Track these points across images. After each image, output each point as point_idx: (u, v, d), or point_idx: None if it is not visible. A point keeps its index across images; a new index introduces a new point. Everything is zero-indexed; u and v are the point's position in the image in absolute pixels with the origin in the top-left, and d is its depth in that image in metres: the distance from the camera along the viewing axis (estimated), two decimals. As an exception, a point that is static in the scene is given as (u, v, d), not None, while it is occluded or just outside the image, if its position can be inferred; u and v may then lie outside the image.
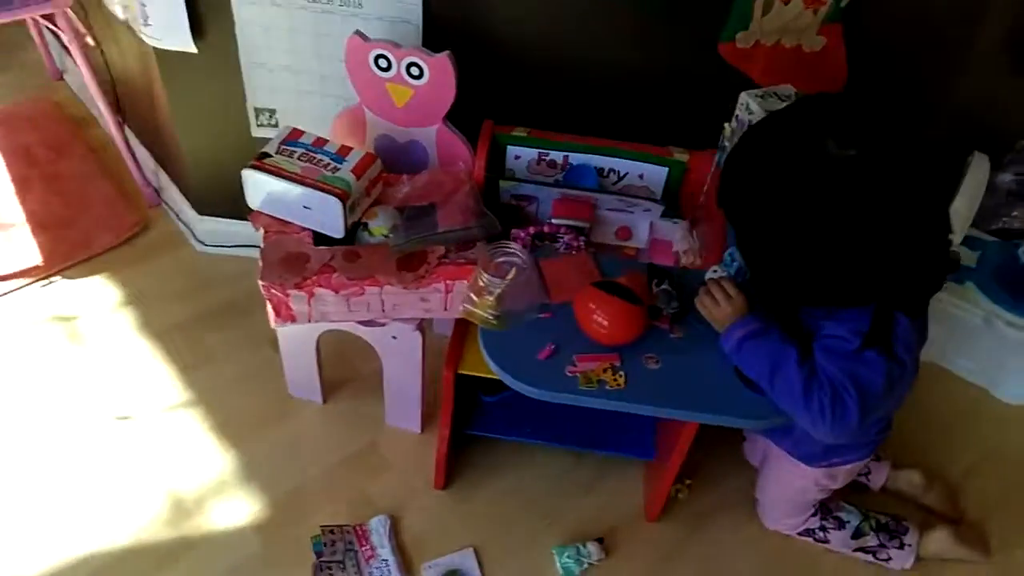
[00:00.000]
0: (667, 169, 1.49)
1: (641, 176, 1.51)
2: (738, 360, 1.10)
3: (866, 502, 1.54)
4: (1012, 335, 1.71)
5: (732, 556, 1.51)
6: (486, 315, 1.15)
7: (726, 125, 1.40)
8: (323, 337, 1.53)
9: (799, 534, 1.51)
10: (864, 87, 1.51)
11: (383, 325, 1.42)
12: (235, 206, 1.81)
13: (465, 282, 1.31)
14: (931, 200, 1.00)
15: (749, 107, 1.34)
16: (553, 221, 1.44)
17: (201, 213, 1.91)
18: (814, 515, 1.49)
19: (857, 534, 1.48)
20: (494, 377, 1.29)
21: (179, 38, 1.53)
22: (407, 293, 1.32)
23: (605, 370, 1.11)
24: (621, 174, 1.51)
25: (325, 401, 1.67)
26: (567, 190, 1.46)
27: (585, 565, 1.45)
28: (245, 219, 1.78)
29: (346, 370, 1.72)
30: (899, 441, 1.46)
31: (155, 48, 1.57)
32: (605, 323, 1.11)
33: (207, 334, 1.77)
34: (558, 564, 1.45)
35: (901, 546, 1.47)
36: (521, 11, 1.47)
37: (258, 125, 1.69)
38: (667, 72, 1.52)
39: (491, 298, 1.13)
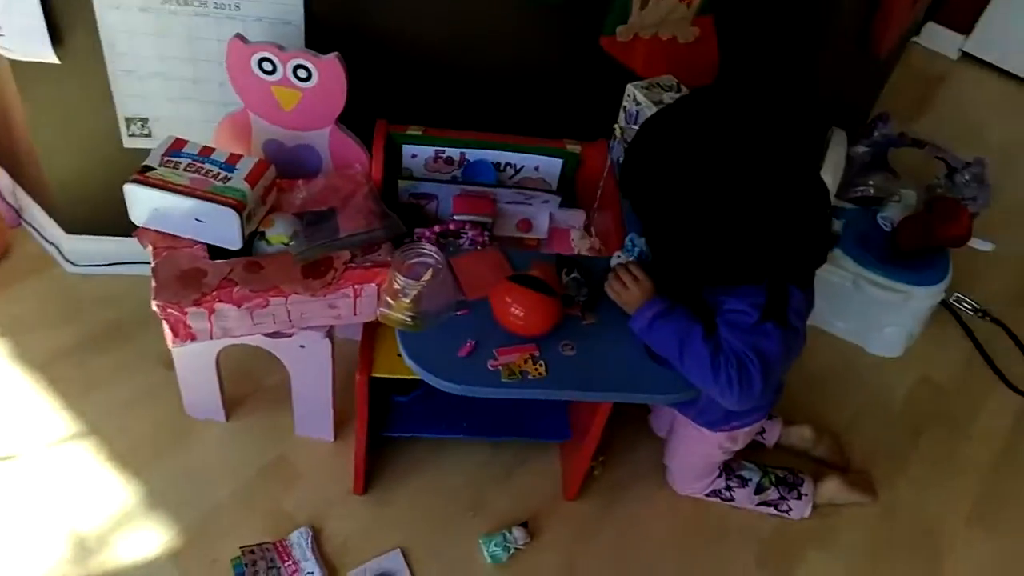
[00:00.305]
0: (562, 161, 1.53)
1: (537, 168, 1.54)
2: (648, 339, 1.16)
3: (763, 459, 1.66)
4: (878, 295, 1.88)
5: (649, 523, 1.59)
6: (403, 317, 1.14)
7: (616, 126, 1.45)
8: (221, 351, 1.48)
9: (707, 495, 1.61)
10: (738, 74, 1.61)
11: (290, 336, 1.38)
12: (108, 222, 1.72)
13: (374, 285, 1.31)
14: (812, 177, 1.09)
15: (636, 98, 1.40)
16: (456, 217, 1.45)
17: (70, 232, 1.78)
18: (719, 476, 1.59)
19: (759, 489, 1.59)
20: (405, 378, 1.30)
21: (37, 48, 1.42)
22: (315, 301, 1.29)
23: (526, 361, 1.14)
24: (518, 168, 1.54)
25: (228, 419, 1.62)
26: (467, 186, 1.48)
27: (512, 550, 1.48)
28: (120, 235, 1.70)
29: (247, 384, 1.67)
30: (788, 400, 1.58)
31: (10, 60, 1.45)
32: (522, 315, 1.13)
33: (91, 359, 1.66)
34: (486, 553, 1.47)
35: (799, 496, 1.60)
36: (406, 10, 1.47)
37: (130, 136, 1.59)
38: (555, 67, 1.56)
39: (407, 300, 1.13)
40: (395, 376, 1.38)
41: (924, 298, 1.94)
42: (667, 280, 1.18)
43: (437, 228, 1.39)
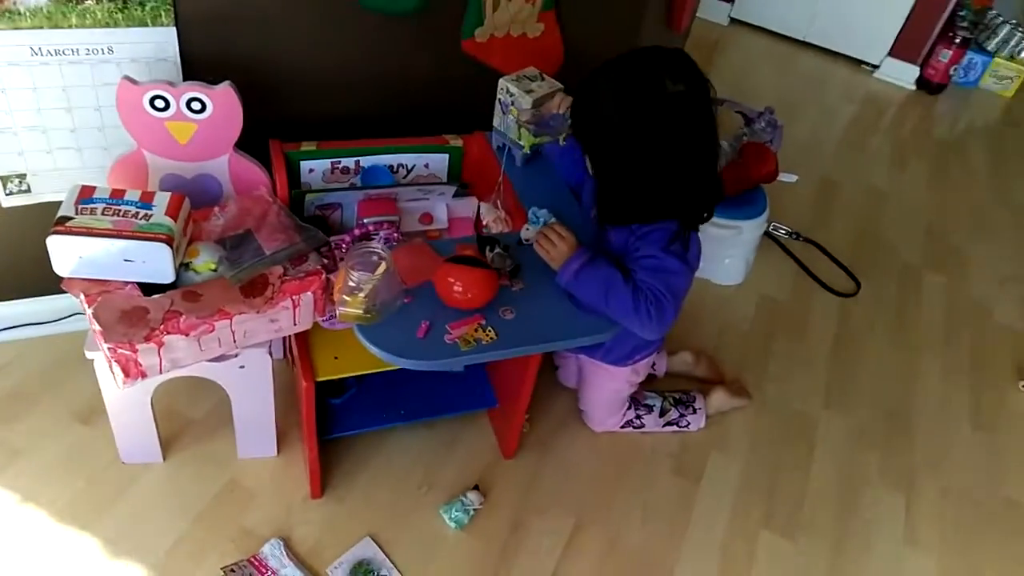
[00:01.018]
0: (447, 155, 1.68)
1: (427, 166, 1.68)
2: (575, 288, 1.34)
3: (659, 387, 1.92)
4: (716, 232, 2.20)
5: (580, 463, 1.79)
6: (360, 312, 1.25)
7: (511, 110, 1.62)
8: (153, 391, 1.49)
9: (621, 427, 1.84)
10: (578, 60, 1.83)
11: (234, 357, 1.43)
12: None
13: (310, 294, 1.39)
14: (713, 132, 1.31)
15: (508, 90, 1.58)
16: (365, 221, 1.56)
17: (-57, 305, 1.68)
18: (628, 408, 1.82)
19: (662, 412, 1.84)
20: (335, 379, 1.43)
21: (-102, 114, 1.35)
22: (258, 317, 1.36)
23: (476, 330, 1.29)
24: (409, 167, 1.67)
25: (165, 458, 1.62)
26: (368, 191, 1.59)
27: (471, 512, 1.62)
28: None
29: (174, 422, 1.68)
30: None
31: None
32: (466, 291, 1.28)
33: (1, 431, 1.60)
34: (448, 520, 1.61)
35: (694, 411, 1.87)
36: (275, 36, 1.54)
37: (7, 194, 1.55)
38: (425, 72, 1.70)
39: (362, 295, 1.23)
40: (340, 376, 1.49)
41: (752, 229, 2.29)
42: (607, 217, 1.37)
43: (356, 231, 1.49)
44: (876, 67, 3.78)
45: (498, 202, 1.57)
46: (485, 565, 1.57)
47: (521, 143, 1.55)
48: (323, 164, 1.60)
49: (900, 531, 1.79)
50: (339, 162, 1.61)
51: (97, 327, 1.25)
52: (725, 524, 1.73)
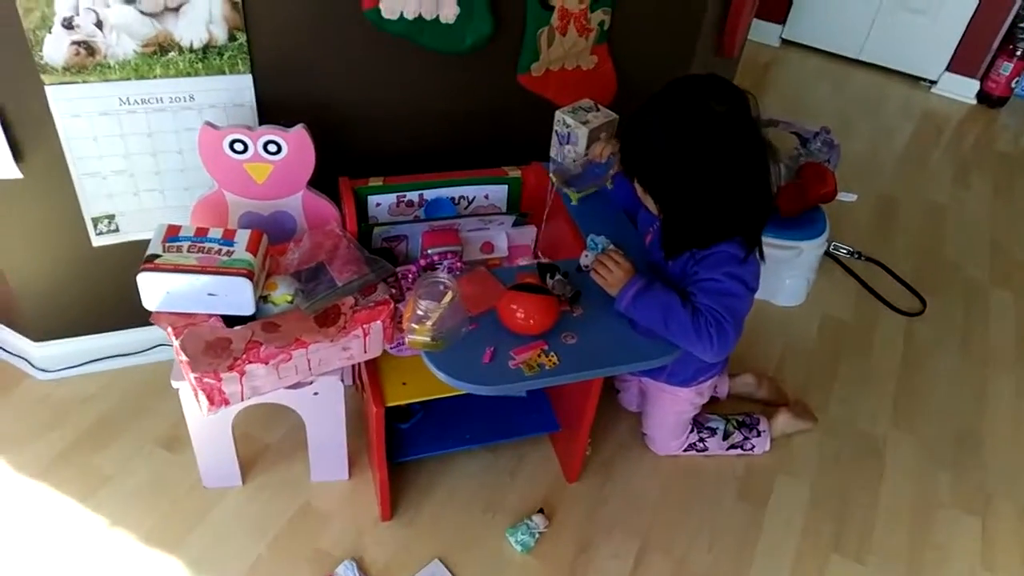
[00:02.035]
0: (506, 186, 1.74)
1: (487, 197, 1.74)
2: (634, 313, 1.36)
3: (721, 410, 1.92)
4: (776, 254, 2.19)
5: (643, 486, 1.80)
6: (427, 339, 1.30)
7: (553, 139, 1.67)
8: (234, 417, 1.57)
9: (684, 451, 1.84)
10: (631, 89, 1.87)
11: (309, 384, 1.50)
12: (77, 323, 1.77)
13: (379, 323, 1.45)
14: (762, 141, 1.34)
15: (565, 122, 1.63)
16: (429, 252, 1.62)
17: (38, 340, 1.79)
18: (691, 431, 1.82)
19: (726, 435, 1.84)
20: (403, 405, 1.48)
21: (1, 167, 1.47)
22: (331, 346, 1.42)
23: (539, 355, 1.32)
24: (470, 199, 1.73)
25: (244, 482, 1.69)
26: (432, 222, 1.65)
27: (537, 535, 1.64)
28: (86, 334, 1.75)
29: (252, 446, 1.75)
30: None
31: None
32: (529, 317, 1.32)
33: (90, 458, 1.69)
34: (514, 543, 1.63)
35: (759, 434, 1.86)
36: (343, 78, 1.63)
37: (97, 234, 1.65)
38: (485, 105, 1.76)
39: (429, 323, 1.29)
40: (408, 402, 1.54)
41: (812, 249, 2.28)
42: (670, 244, 1.40)
43: (422, 262, 1.55)
44: (934, 83, 3.73)
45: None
46: (552, 588, 1.59)
47: (569, 196, 1.59)
48: (389, 198, 1.67)
49: (977, 554, 1.74)
50: (404, 196, 1.68)
51: (184, 358, 1.33)
52: (794, 548, 1.71)
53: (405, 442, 1.70)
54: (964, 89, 3.68)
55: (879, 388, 2.11)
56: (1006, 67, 3.57)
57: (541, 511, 1.69)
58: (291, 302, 1.46)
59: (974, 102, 3.68)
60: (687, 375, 1.65)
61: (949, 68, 3.66)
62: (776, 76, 3.65)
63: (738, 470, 1.85)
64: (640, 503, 1.77)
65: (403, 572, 1.58)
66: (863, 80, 3.74)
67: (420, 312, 1.28)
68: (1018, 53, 3.53)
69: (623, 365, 1.36)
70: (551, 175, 1.60)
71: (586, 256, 1.50)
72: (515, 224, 1.73)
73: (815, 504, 1.79)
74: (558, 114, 1.65)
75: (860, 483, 1.85)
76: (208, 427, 1.55)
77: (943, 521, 1.80)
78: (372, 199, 1.66)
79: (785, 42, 3.89)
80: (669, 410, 1.76)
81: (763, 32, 3.80)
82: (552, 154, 1.70)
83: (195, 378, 1.32)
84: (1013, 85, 3.65)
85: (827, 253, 2.47)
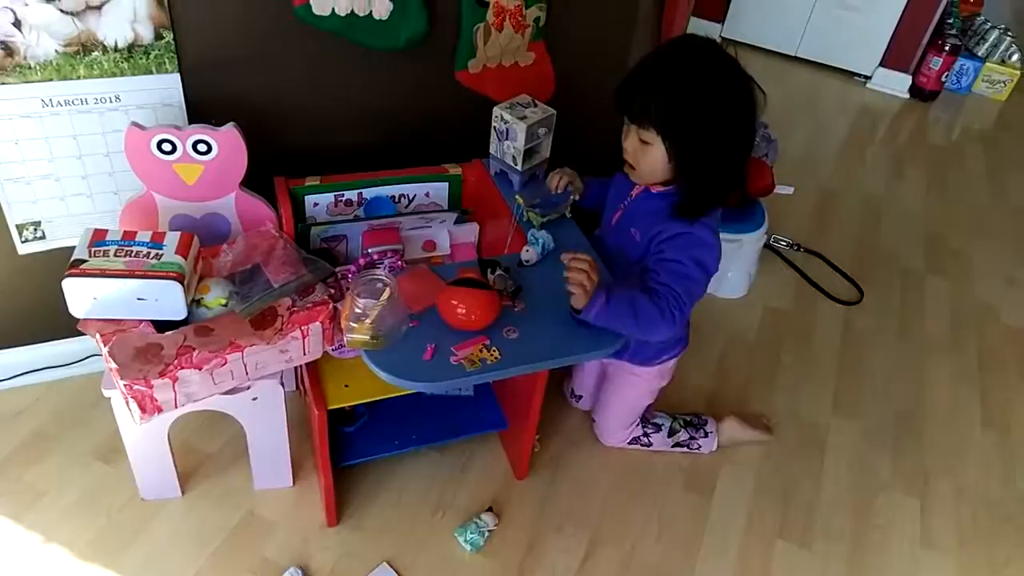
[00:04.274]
0: (447, 183, 1.73)
1: (427, 194, 1.73)
2: (607, 319, 1.33)
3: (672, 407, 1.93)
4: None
5: (592, 480, 1.80)
6: (367, 338, 1.28)
7: (492, 135, 1.67)
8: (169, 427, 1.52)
9: (629, 443, 1.85)
10: (569, 87, 1.88)
11: (246, 389, 1.47)
12: (6, 335, 1.71)
13: (319, 324, 1.43)
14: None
15: (503, 117, 1.63)
16: (369, 251, 1.60)
17: (-36, 353, 1.73)
18: (637, 425, 1.84)
19: (671, 432, 1.85)
20: (347, 407, 1.45)
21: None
22: (268, 349, 1.39)
23: (481, 350, 1.31)
24: (411, 197, 1.71)
25: (183, 493, 1.65)
26: (372, 221, 1.63)
27: (487, 533, 1.64)
28: (18, 346, 1.69)
29: (191, 457, 1.70)
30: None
31: None
32: (470, 312, 1.31)
33: (24, 473, 1.64)
34: (464, 543, 1.62)
35: (705, 435, 1.88)
36: (276, 76, 1.60)
37: (23, 242, 1.60)
38: (423, 103, 1.75)
39: (368, 321, 1.27)
40: (351, 404, 1.51)
41: (752, 242, 2.32)
42: (694, 203, 1.39)
43: (361, 261, 1.53)
44: (868, 78, 3.84)
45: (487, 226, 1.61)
46: (502, 586, 1.59)
47: (532, 223, 1.59)
48: (327, 198, 1.65)
49: (916, 534, 1.78)
50: (342, 195, 1.66)
51: (113, 365, 1.29)
52: (740, 536, 1.73)
53: (350, 445, 1.67)
54: (897, 84, 3.79)
55: (820, 376, 2.15)
56: (936, 61, 3.70)
57: (490, 509, 1.68)
58: (225, 305, 1.42)
59: (907, 96, 3.80)
60: (649, 353, 1.66)
61: (882, 63, 3.77)
62: (717, 74, 3.71)
63: (684, 463, 1.87)
64: (589, 497, 1.77)
65: (351, 577, 1.55)
66: (800, 77, 3.83)
67: (358, 310, 1.26)
68: (947, 48, 3.66)
69: (565, 358, 1.36)
70: (516, 196, 1.60)
71: (527, 251, 1.50)
72: (457, 221, 1.72)
73: (760, 492, 1.82)
74: (496, 110, 1.64)
75: (803, 470, 1.89)
76: (144, 437, 1.51)
77: (884, 503, 1.84)
78: (309, 199, 1.63)
79: (724, 40, 3.94)
80: (628, 394, 1.76)
81: (703, 31, 3.86)
82: (491, 150, 1.70)
83: (125, 386, 1.28)
84: (943, 79, 3.77)
85: (767, 245, 2.51)
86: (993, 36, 3.89)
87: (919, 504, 1.85)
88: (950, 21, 3.76)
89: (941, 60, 3.68)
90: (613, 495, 1.78)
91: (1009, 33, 3.88)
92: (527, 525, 1.69)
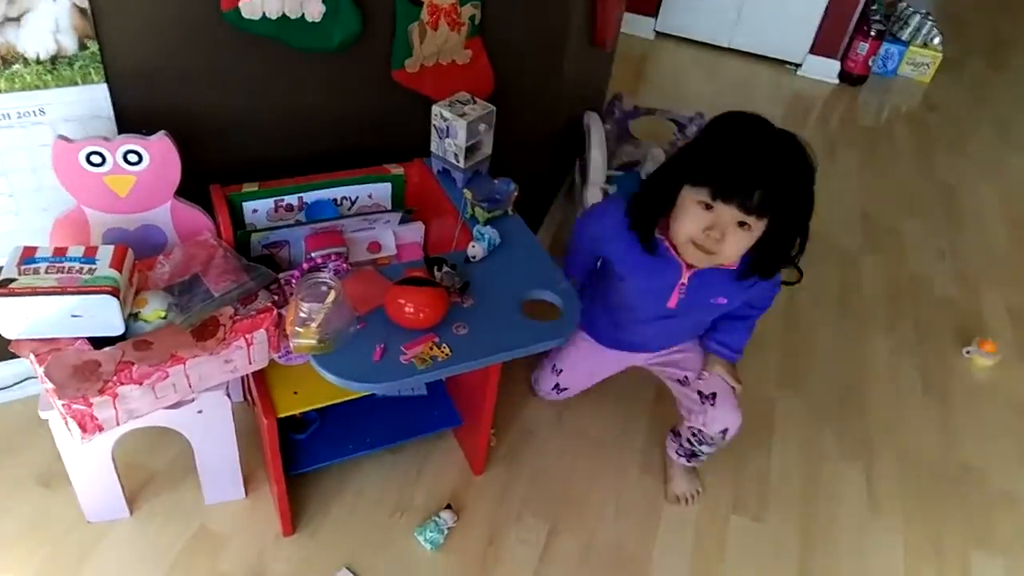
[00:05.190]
0: (390, 184, 1.72)
1: (370, 196, 1.71)
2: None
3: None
4: (660, 234, 2.26)
5: (548, 470, 1.82)
6: (314, 343, 1.27)
7: (433, 134, 1.67)
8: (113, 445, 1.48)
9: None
10: (508, 82, 1.89)
11: (191, 402, 1.44)
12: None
13: (263, 331, 1.41)
14: None
15: (442, 115, 1.63)
16: (312, 255, 1.58)
17: None
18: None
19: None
20: (299, 414, 1.44)
21: None
22: (212, 360, 1.37)
23: (431, 348, 1.31)
24: (353, 199, 1.70)
25: (131, 513, 1.60)
26: (314, 225, 1.61)
27: (446, 531, 1.63)
28: None
29: (138, 475, 1.66)
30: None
31: None
32: (418, 311, 1.31)
33: (-40, 504, 1.57)
34: (423, 542, 1.62)
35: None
36: (206, 82, 1.56)
37: (-53, 263, 1.53)
38: (361, 104, 1.74)
39: (315, 325, 1.25)
40: (301, 411, 1.50)
41: (695, 229, 2.36)
42: (773, 264, 1.44)
43: (305, 266, 1.51)
44: (799, 66, 3.94)
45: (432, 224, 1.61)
46: (464, 582, 1.59)
47: (478, 219, 1.59)
48: (266, 203, 1.62)
49: (863, 500, 1.84)
50: (282, 200, 1.63)
51: (50, 385, 1.25)
52: (695, 513, 1.77)
53: (303, 452, 1.65)
54: (826, 70, 3.90)
55: (766, 355, 2.20)
56: (863, 47, 3.82)
57: (449, 507, 1.68)
58: (164, 318, 1.39)
59: (836, 82, 3.91)
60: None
61: (812, 51, 3.87)
62: (652, 67, 3.76)
63: (638, 443, 1.90)
64: (546, 486, 1.78)
65: (310, 586, 1.54)
66: (734, 67, 3.91)
67: (303, 315, 1.25)
68: (872, 33, 3.78)
69: (515, 350, 1.36)
70: (464, 191, 1.60)
71: (473, 247, 1.50)
72: (402, 222, 1.71)
73: (712, 471, 1.85)
74: (435, 108, 1.64)
75: (753, 444, 1.93)
76: (86, 457, 1.47)
77: (831, 473, 1.90)
78: (248, 205, 1.61)
79: (659, 34, 4.02)
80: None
81: (637, 25, 3.92)
82: (433, 149, 1.69)
83: (63, 405, 1.24)
84: (870, 63, 3.89)
85: (710, 231, 2.56)
86: (915, 20, 4.03)
87: (864, 472, 1.91)
88: (874, 7, 3.89)
89: (867, 45, 3.80)
90: (570, 483, 1.80)
91: (930, 17, 4.02)
92: (487, 519, 1.70)
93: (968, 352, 2.30)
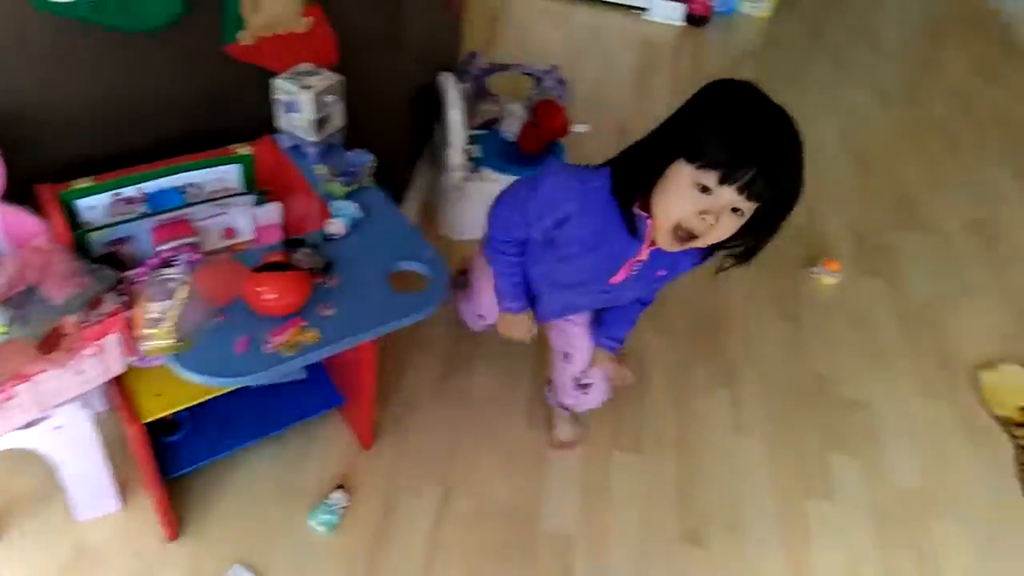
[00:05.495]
0: (239, 165, 1.65)
1: (219, 180, 1.63)
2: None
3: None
4: (524, 191, 2.29)
5: (436, 435, 1.84)
6: (168, 343, 1.21)
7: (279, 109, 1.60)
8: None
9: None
10: (353, 51, 1.83)
11: (47, 419, 1.35)
12: None
13: (114, 336, 1.33)
14: None
15: (286, 89, 1.57)
16: (160, 249, 1.50)
17: None
18: None
19: None
20: (167, 417, 1.39)
21: None
22: (63, 373, 1.29)
23: (298, 333, 1.28)
24: (200, 184, 1.62)
25: (-3, 541, 1.51)
26: (159, 216, 1.53)
27: (339, 511, 1.63)
28: None
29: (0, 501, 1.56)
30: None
31: None
32: (279, 297, 1.27)
33: None
34: (317, 525, 1.61)
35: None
36: (26, 77, 1.43)
37: None
38: (197, 86, 1.64)
39: (167, 324, 1.20)
40: (167, 413, 1.44)
41: (557, 182, 2.40)
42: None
43: (154, 261, 1.43)
44: (645, 10, 4.03)
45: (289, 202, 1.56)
46: (360, 558, 1.59)
47: (335, 194, 1.54)
48: (103, 199, 1.52)
49: (730, 421, 1.98)
50: (120, 193, 1.53)
51: None
52: (580, 457, 1.85)
53: (179, 454, 1.59)
54: (672, 13, 4.01)
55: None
56: (703, -11, 3.94)
57: (340, 487, 1.67)
58: (5, 333, 1.29)
59: (683, 24, 4.04)
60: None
61: (656, -5, 3.97)
62: (505, 23, 3.75)
63: (522, 403, 1.95)
64: (436, 452, 1.81)
65: (204, 587, 1.50)
66: (582, 16, 3.96)
67: (153, 315, 1.19)
68: (709, -25, 3.90)
69: (384, 326, 1.36)
70: (316, 166, 1.55)
71: (332, 224, 1.47)
72: (258, 203, 1.65)
73: (593, 414, 1.93)
74: (276, 82, 1.58)
75: (628, 389, 2.02)
76: (-67, 493, 1.36)
77: (701, 401, 2.03)
78: (82, 203, 1.50)
79: (505, -13, 4.00)
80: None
81: (485, -22, 3.88)
82: (280, 125, 1.63)
83: None
84: (712, 3, 4.03)
85: (573, 183, 2.61)
86: (748, -42, 4.20)
87: (729, 395, 2.05)
88: (711, -50, 4.01)
89: (706, -14, 3.93)
90: (459, 446, 1.83)
91: (759, -45, 4.20)
92: (379, 493, 1.70)
93: (814, 272, 2.48)
